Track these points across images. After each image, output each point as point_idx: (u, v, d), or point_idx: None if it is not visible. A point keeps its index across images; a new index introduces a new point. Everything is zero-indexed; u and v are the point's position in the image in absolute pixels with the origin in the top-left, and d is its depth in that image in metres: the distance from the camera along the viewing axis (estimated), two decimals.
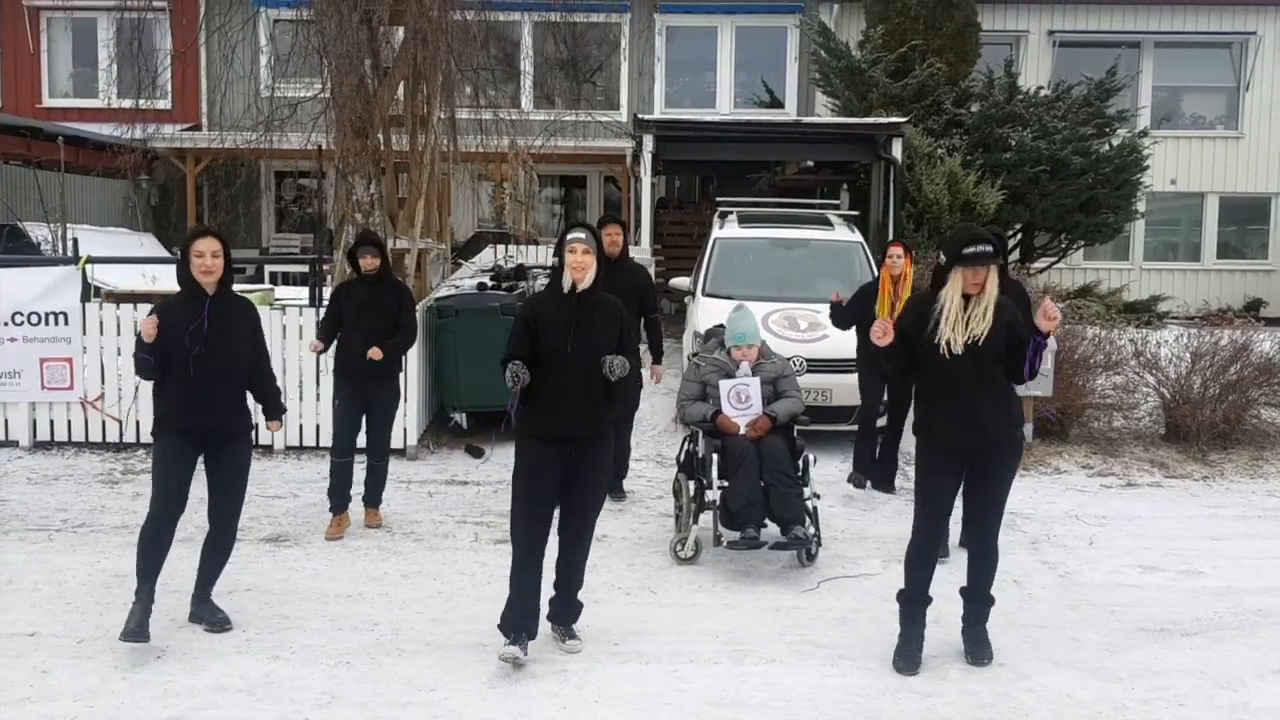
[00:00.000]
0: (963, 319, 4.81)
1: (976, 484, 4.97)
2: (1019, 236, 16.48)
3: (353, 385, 7.01)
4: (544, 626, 5.14)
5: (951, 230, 5.31)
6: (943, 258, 4.92)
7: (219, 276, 5.17)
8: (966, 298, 4.82)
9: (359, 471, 7.13)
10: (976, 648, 5.06)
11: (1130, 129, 16.72)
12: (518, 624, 4.93)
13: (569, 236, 4.94)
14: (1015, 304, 5.18)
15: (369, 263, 7.02)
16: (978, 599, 5.10)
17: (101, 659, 4.96)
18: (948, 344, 4.78)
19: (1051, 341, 5.56)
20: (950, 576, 5.47)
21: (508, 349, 4.91)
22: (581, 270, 4.88)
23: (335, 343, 7.11)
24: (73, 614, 5.50)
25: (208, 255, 5.11)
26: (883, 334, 4.87)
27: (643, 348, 7.80)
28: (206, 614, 5.35)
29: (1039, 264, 16.40)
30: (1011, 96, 15.72)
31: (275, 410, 5.62)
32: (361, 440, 7.15)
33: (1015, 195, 15.13)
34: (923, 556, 5.03)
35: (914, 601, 5.04)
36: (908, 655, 4.98)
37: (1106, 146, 15.82)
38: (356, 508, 7.16)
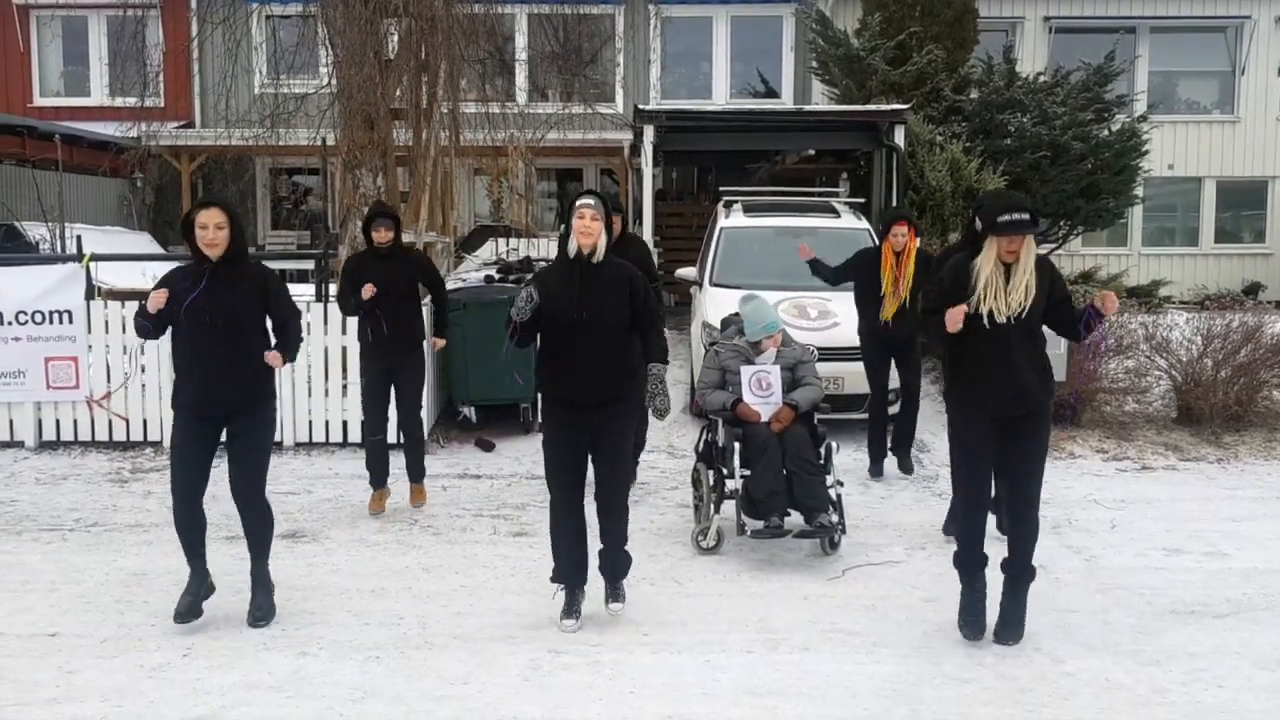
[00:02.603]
0: (1004, 289, 4.76)
1: (1016, 452, 4.94)
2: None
3: (378, 364, 7.01)
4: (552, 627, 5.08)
5: (987, 199, 5.15)
6: (978, 224, 4.84)
7: (224, 249, 4.98)
8: (1005, 266, 4.78)
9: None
10: (1007, 626, 5.00)
11: (1129, 114, 16.70)
12: (569, 577, 5.23)
13: (579, 202, 4.93)
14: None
15: (383, 235, 6.92)
16: (1017, 571, 5.03)
17: (127, 658, 4.89)
18: (990, 314, 4.75)
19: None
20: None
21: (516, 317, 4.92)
22: (589, 236, 4.88)
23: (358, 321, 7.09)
24: (93, 613, 5.43)
25: (210, 228, 4.93)
26: (955, 324, 4.79)
27: None
28: (255, 597, 5.33)
29: (1040, 250, 16.36)
30: (1011, 82, 15.68)
31: (286, 349, 5.24)
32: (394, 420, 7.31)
33: (1016, 181, 15.07)
34: (970, 519, 5.06)
35: (970, 566, 5.08)
36: (972, 620, 5.04)
37: (1106, 132, 15.80)
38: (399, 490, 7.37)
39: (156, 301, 4.93)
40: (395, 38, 9.64)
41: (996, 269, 4.79)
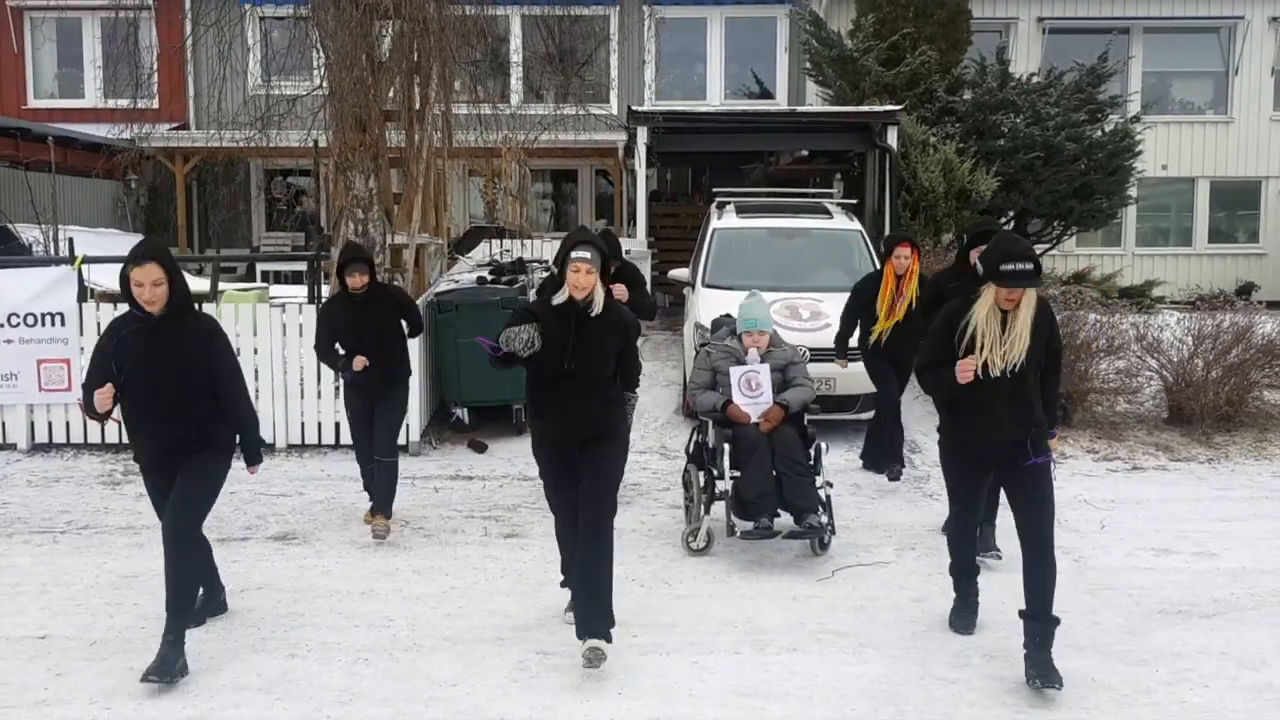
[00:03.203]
0: (1000, 338, 4.57)
1: (1019, 495, 4.73)
2: (1013, 223, 16.48)
3: (362, 398, 6.89)
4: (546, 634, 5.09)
5: (992, 239, 4.89)
6: (979, 267, 4.65)
7: (164, 304, 4.62)
8: (1002, 313, 4.59)
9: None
10: (1046, 672, 4.51)
11: (1122, 114, 16.73)
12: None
13: (573, 256, 4.65)
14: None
15: (358, 280, 6.71)
16: (1040, 617, 4.59)
17: (116, 660, 4.90)
18: (985, 365, 4.57)
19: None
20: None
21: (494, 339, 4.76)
22: (581, 290, 4.68)
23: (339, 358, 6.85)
24: (83, 615, 5.44)
25: (147, 285, 4.57)
26: (966, 375, 4.62)
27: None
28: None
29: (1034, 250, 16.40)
30: (1004, 83, 15.71)
31: (250, 451, 4.99)
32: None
33: (1010, 182, 15.12)
34: (964, 530, 5.14)
35: (963, 574, 5.21)
36: (964, 617, 5.21)
37: (1099, 132, 15.83)
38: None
39: (103, 402, 4.59)
40: (388, 40, 9.66)
41: (993, 315, 4.58)
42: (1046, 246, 16.69)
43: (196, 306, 4.97)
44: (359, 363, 6.65)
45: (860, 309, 7.95)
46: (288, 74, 10.87)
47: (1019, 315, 4.56)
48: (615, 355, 4.87)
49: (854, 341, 8.28)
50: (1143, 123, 16.61)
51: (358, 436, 7.08)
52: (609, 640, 4.70)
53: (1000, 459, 4.76)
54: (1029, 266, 4.46)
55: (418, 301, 9.14)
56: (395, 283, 10.10)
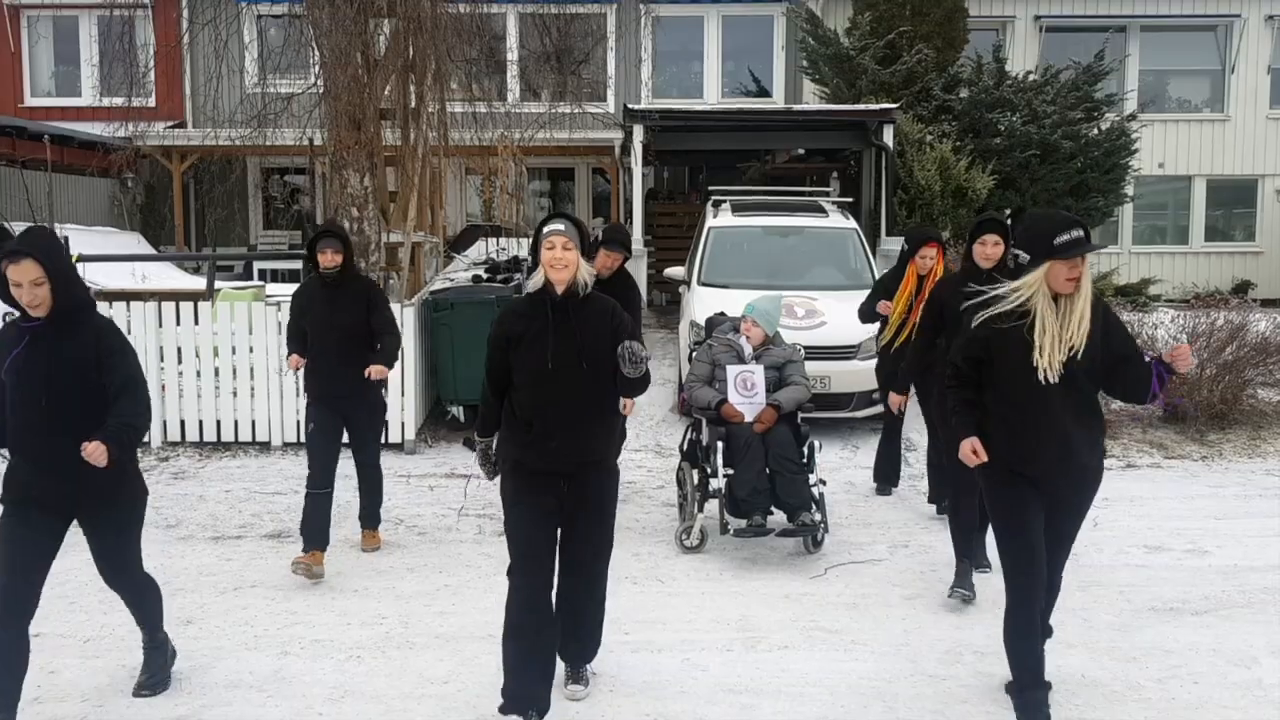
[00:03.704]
0: (1059, 332, 3.89)
1: (1054, 518, 4.14)
2: (1010, 222, 16.50)
3: (329, 407, 6.03)
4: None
5: (1027, 221, 4.14)
6: (1022, 256, 3.96)
7: (49, 306, 3.94)
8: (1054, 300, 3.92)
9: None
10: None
11: (1119, 113, 16.75)
12: (521, 695, 4.08)
13: (546, 229, 4.06)
14: None
15: (330, 259, 5.91)
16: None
17: (108, 658, 4.91)
18: (1046, 368, 3.86)
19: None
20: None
21: (487, 381, 4.22)
22: (561, 269, 4.00)
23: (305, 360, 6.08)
24: (77, 614, 5.45)
25: (26, 285, 3.89)
26: (974, 454, 4.07)
27: None
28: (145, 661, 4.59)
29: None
30: (1000, 81, 15.73)
31: (112, 436, 3.93)
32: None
33: (1006, 180, 15.15)
34: (1027, 624, 4.09)
35: (1028, 686, 4.10)
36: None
37: (1095, 130, 15.85)
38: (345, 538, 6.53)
39: None
40: (383, 37, 9.67)
41: (1050, 308, 3.89)
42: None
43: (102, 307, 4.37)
44: (292, 361, 6.02)
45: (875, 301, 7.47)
46: (284, 72, 10.88)
47: (1077, 296, 3.87)
48: (609, 349, 4.02)
49: (840, 337, 8.26)
50: (1139, 121, 16.63)
51: (316, 451, 5.99)
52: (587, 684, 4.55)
53: (1060, 480, 4.09)
54: (1081, 232, 3.86)
55: (412, 300, 9.18)
56: (393, 280, 10.12)
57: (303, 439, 8.93)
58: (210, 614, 5.44)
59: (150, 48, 14.40)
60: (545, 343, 4.05)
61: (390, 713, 4.40)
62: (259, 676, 4.71)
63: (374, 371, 5.97)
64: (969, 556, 5.65)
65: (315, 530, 5.93)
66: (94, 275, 11.28)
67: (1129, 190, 16.85)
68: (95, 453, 3.86)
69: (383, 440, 7.13)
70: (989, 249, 5.78)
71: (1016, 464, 4.07)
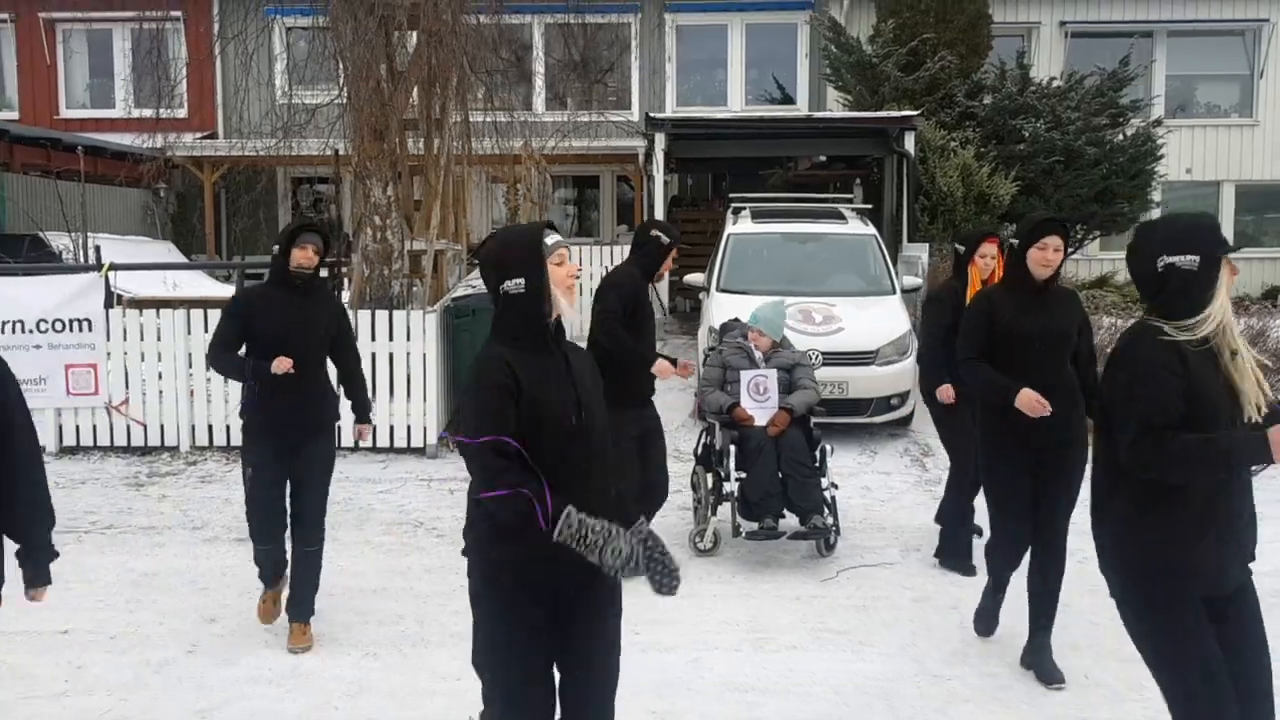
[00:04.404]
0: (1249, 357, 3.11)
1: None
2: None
3: (278, 444, 4.99)
4: None
5: (1157, 226, 3.29)
6: (1159, 260, 3.09)
7: None
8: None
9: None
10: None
11: (1144, 118, 16.70)
12: None
13: (550, 241, 3.06)
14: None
15: (307, 257, 4.92)
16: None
17: (134, 654, 5.06)
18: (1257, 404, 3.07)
19: None
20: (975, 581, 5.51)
21: (490, 434, 2.89)
22: (571, 288, 3.11)
23: (247, 387, 5.06)
24: (104, 611, 5.61)
25: None
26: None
27: None
28: None
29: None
30: (1024, 88, 15.73)
31: (33, 566, 3.56)
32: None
33: (1029, 187, 15.14)
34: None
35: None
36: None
37: (1120, 136, 15.82)
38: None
39: None
40: (409, 49, 9.85)
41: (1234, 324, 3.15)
42: (1069, 251, 16.67)
43: None
44: (281, 364, 4.83)
45: (945, 331, 5.87)
46: (312, 83, 11.08)
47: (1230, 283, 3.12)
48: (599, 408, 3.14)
49: (858, 343, 8.25)
50: (1165, 126, 16.58)
51: (260, 504, 5.04)
52: None
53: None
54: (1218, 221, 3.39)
55: (434, 306, 9.32)
56: (416, 288, 10.28)
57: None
58: (232, 612, 5.58)
59: (182, 59, 14.67)
60: (568, 390, 3.02)
61: (404, 708, 4.52)
62: (278, 672, 4.85)
63: (364, 432, 5.41)
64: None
65: (270, 572, 5.23)
66: (128, 284, 11.55)
67: (1155, 196, 16.79)
68: (41, 599, 3.63)
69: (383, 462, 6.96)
70: (1049, 254, 4.66)
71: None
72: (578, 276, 3.20)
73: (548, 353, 3.03)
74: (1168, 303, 3.09)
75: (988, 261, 6.12)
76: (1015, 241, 4.74)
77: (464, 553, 3.12)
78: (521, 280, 3.00)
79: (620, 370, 5.31)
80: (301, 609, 5.13)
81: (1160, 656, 3.22)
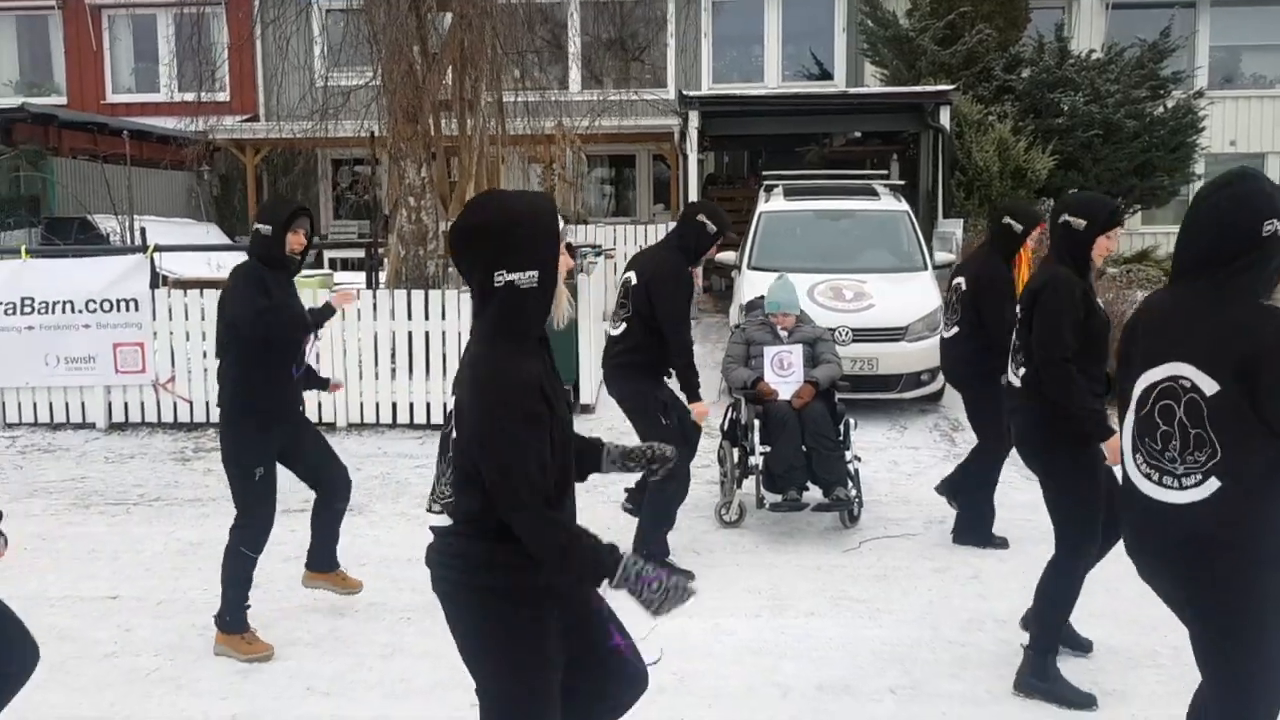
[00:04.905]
0: None
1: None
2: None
3: (280, 432, 4.97)
4: None
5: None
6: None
7: None
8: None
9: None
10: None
11: (1186, 90, 16.48)
12: None
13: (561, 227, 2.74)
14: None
15: (300, 241, 4.89)
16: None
17: (179, 618, 5.29)
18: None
19: None
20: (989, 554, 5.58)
21: (537, 482, 2.54)
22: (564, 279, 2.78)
23: (251, 377, 4.89)
24: (151, 579, 5.86)
25: None
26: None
27: None
28: None
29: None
30: (1062, 61, 15.61)
31: None
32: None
33: (1068, 161, 15.05)
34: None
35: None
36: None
37: (1161, 109, 15.65)
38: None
39: None
40: (441, 30, 10.00)
41: None
42: None
43: None
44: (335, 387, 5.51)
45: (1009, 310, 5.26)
46: (349, 66, 11.27)
47: None
48: None
49: (888, 320, 8.24)
50: (1209, 98, 16.38)
51: (272, 497, 5.05)
52: None
53: None
54: None
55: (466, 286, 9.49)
56: (449, 268, 10.46)
57: (365, 420, 9.35)
58: (274, 579, 5.77)
59: (223, 43, 14.94)
60: (566, 403, 2.72)
61: (436, 670, 4.69)
62: (316, 635, 5.06)
63: (336, 387, 5.54)
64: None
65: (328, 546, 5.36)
66: (173, 265, 11.85)
67: (1197, 169, 16.59)
68: None
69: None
70: (1113, 243, 4.49)
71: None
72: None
73: (545, 357, 2.65)
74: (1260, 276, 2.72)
75: (1036, 244, 5.91)
76: (1080, 222, 4.28)
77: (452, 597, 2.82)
78: (536, 273, 2.56)
79: (661, 355, 5.70)
80: (334, 558, 5.36)
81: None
